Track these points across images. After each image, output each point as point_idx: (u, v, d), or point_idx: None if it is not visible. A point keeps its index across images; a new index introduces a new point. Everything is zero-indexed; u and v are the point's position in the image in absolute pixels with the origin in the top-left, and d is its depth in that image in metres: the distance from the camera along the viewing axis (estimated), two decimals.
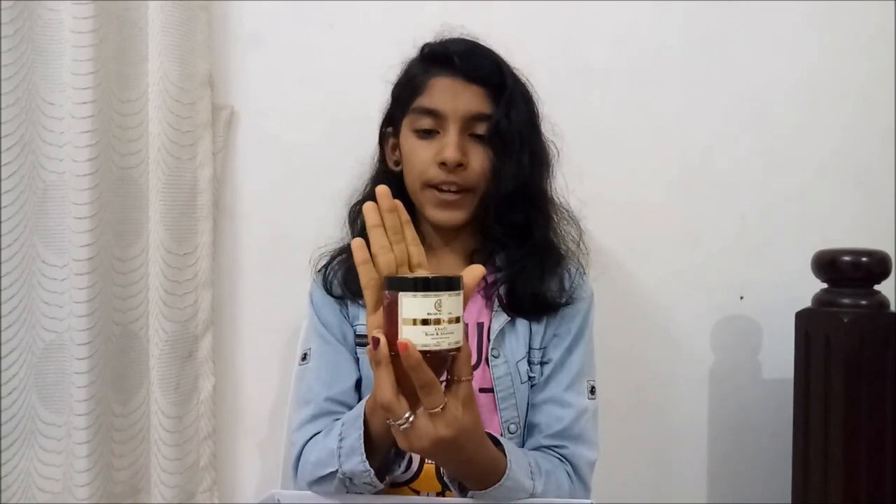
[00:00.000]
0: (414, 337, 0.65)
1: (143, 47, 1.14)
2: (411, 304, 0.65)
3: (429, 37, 0.99)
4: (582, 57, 1.24)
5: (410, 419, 0.68)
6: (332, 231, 1.08)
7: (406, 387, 0.68)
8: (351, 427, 0.83)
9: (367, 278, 0.73)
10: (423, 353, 0.64)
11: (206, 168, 1.19)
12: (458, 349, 0.67)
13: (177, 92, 1.14)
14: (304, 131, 1.24)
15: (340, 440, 0.83)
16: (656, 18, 1.24)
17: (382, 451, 0.83)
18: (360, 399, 0.94)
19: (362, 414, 0.82)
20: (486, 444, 0.77)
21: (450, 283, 0.66)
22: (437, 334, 0.65)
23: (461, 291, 0.67)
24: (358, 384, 0.96)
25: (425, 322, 0.65)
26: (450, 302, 0.65)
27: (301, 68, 1.24)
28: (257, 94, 1.25)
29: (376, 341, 0.67)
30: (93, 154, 1.06)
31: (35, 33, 1.09)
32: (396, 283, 0.66)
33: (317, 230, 1.07)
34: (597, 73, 1.24)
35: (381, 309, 0.69)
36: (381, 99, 1.02)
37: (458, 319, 0.66)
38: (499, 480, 0.78)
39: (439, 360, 0.67)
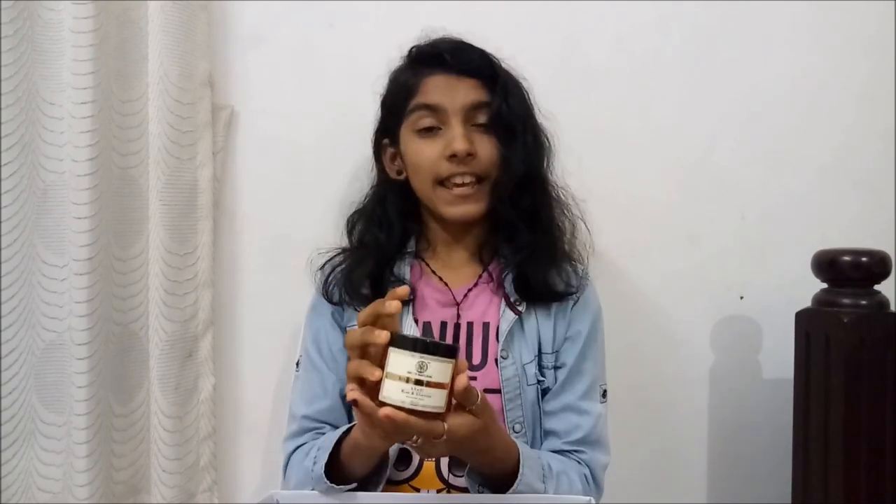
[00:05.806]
0: (391, 391, 0.67)
1: (143, 47, 1.14)
2: (396, 360, 0.67)
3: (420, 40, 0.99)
4: (582, 57, 1.24)
5: (419, 441, 0.71)
6: (331, 231, 1.08)
7: None
8: (323, 453, 0.84)
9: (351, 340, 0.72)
10: (399, 409, 0.66)
11: (206, 168, 1.19)
12: (437, 414, 0.68)
13: (177, 92, 1.14)
14: (304, 131, 1.24)
15: (314, 464, 0.85)
16: (656, 18, 1.24)
17: (361, 474, 0.85)
18: (347, 410, 0.95)
19: (331, 447, 0.83)
20: (493, 452, 0.80)
21: (438, 349, 0.67)
22: (414, 394, 0.66)
23: (453, 360, 0.68)
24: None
25: (407, 380, 0.66)
26: (435, 367, 0.67)
27: (301, 68, 1.24)
28: (257, 94, 1.25)
29: (355, 402, 0.69)
30: (93, 154, 1.06)
31: (35, 33, 1.09)
32: (394, 337, 0.68)
33: (317, 230, 1.08)
34: (597, 73, 1.24)
35: (362, 356, 0.71)
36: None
37: (441, 385, 0.67)
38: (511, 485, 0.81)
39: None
